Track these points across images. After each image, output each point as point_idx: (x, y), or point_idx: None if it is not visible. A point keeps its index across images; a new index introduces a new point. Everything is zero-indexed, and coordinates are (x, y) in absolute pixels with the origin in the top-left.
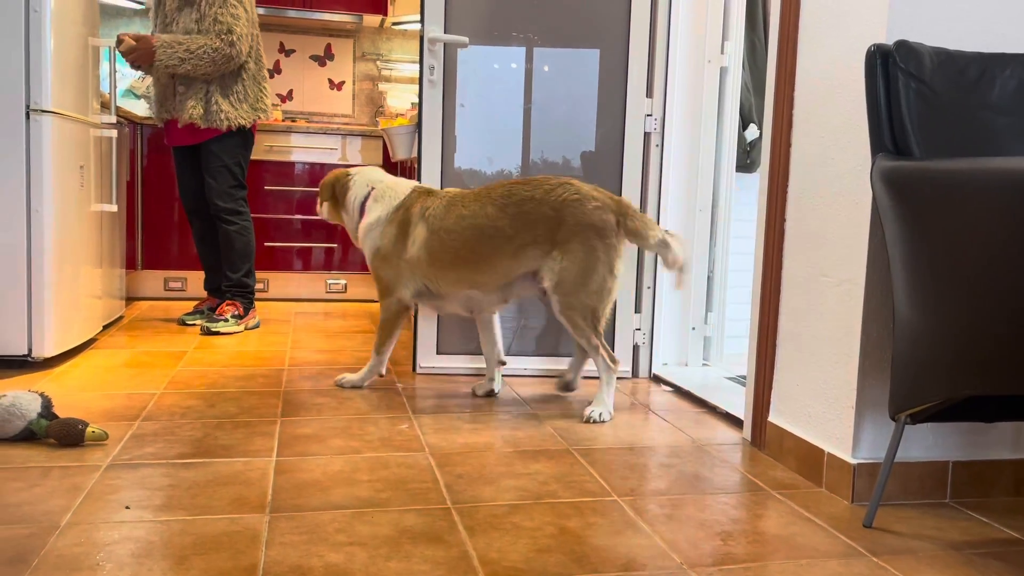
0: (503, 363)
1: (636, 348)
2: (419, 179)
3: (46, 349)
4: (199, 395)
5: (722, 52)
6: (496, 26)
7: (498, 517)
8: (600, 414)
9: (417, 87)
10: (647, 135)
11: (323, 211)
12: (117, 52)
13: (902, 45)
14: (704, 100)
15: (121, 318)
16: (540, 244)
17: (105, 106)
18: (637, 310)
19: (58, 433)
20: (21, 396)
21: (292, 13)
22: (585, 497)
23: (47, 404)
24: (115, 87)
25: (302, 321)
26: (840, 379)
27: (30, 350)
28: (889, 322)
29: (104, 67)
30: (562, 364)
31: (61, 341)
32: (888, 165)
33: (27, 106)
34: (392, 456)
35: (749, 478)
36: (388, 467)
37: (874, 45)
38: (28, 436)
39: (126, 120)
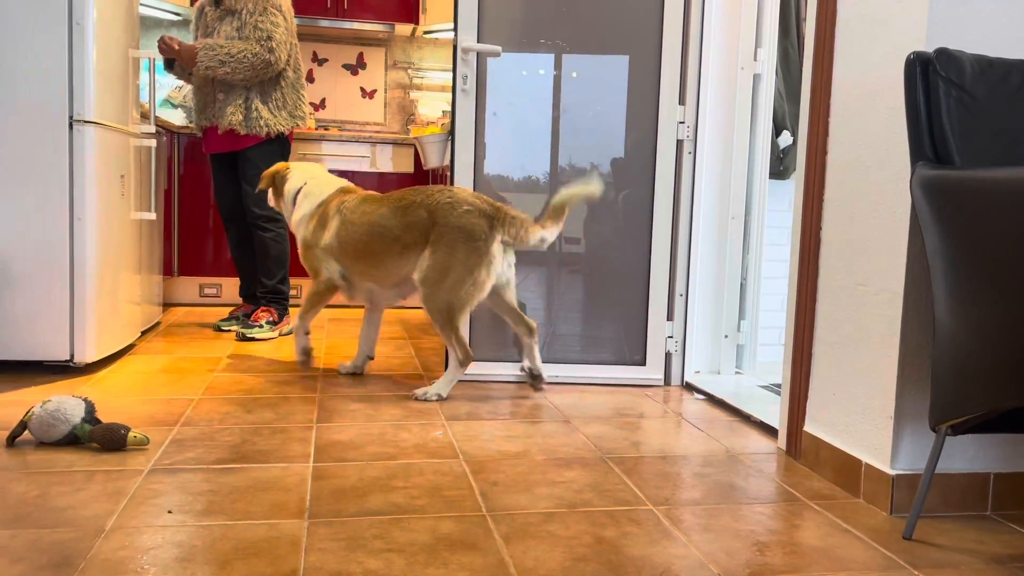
0: (371, 358)
1: (668, 356)
2: (452, 184)
3: (87, 355)
4: (236, 401)
5: (755, 59)
6: (527, 34)
7: (534, 525)
8: (426, 393)
9: (448, 95)
10: (679, 142)
11: (269, 199)
12: (157, 61)
13: (942, 53)
14: (737, 107)
15: (158, 324)
16: (420, 245)
17: (144, 116)
18: (669, 317)
19: (101, 438)
20: (65, 401)
21: (325, 23)
22: (620, 506)
23: (90, 409)
24: (154, 97)
25: (336, 327)
26: (878, 389)
27: (72, 355)
28: (928, 331)
29: (143, 77)
30: (597, 371)
31: (102, 347)
32: (928, 174)
33: (71, 116)
34: (427, 463)
35: (785, 488)
36: (423, 474)
37: (914, 53)
38: (72, 441)
39: (164, 129)
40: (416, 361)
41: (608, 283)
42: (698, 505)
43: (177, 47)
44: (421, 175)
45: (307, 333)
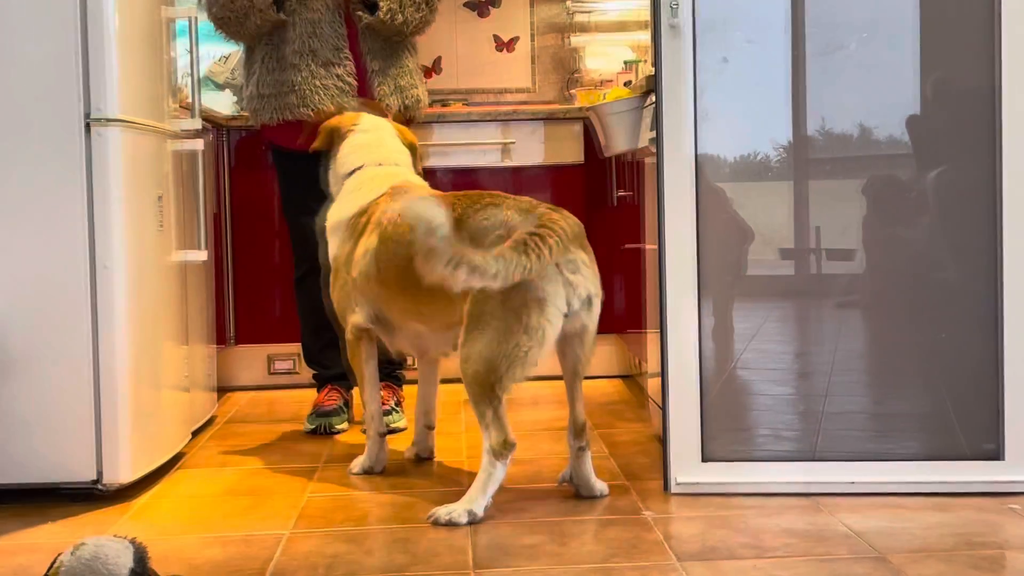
0: (431, 427)
1: None
2: (660, 176)
3: (121, 474)
4: (346, 535)
5: None
6: None
7: None
8: (450, 513)
9: (630, 36)
10: None
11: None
12: (203, 22)
13: None
14: None
15: (213, 419)
16: None
17: (184, 106)
18: None
19: None
20: (105, 546)
21: None
22: None
23: (141, 557)
24: (197, 79)
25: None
26: None
27: (100, 475)
28: None
29: (179, 48)
30: (911, 472)
31: (141, 460)
32: None
33: (86, 115)
34: None
35: None
36: None
37: None
38: None
39: (209, 123)
40: (612, 463)
41: (915, 322)
42: None
43: None
44: (596, 167)
45: (383, 433)
